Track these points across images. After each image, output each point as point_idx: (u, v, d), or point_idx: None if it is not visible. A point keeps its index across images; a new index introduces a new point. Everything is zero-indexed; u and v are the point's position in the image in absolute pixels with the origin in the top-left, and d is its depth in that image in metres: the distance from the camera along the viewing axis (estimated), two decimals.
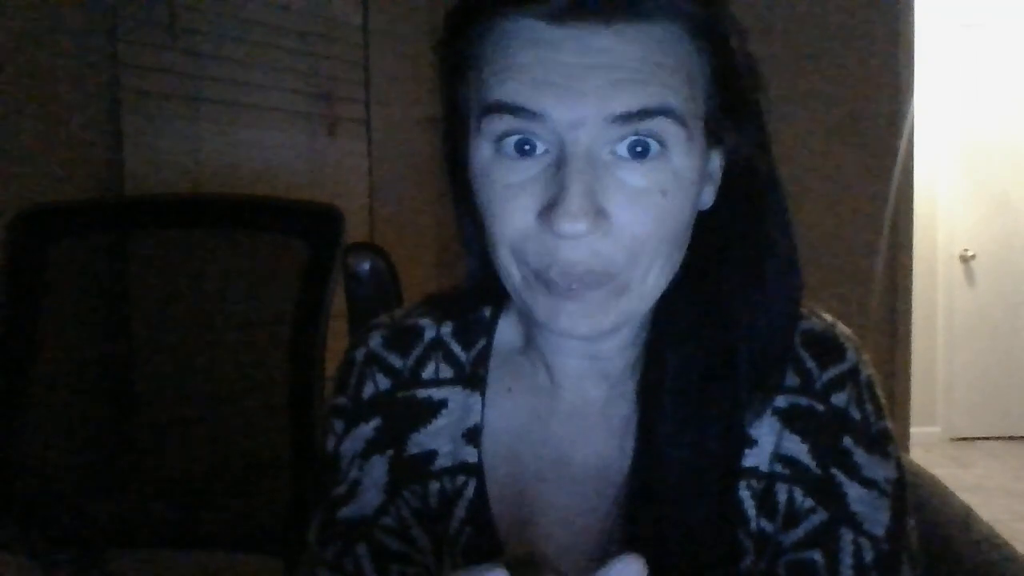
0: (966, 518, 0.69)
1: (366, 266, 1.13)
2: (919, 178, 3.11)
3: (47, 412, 1.19)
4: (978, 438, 4.47)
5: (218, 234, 1.22)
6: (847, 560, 0.57)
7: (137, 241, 1.27)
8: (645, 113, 0.50)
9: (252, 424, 1.19)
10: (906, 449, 2.92)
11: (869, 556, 0.57)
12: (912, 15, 2.91)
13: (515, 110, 0.51)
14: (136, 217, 1.26)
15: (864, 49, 2.84)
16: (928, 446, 4.21)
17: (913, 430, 3.13)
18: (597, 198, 0.51)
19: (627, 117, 0.50)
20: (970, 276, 4.48)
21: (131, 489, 1.20)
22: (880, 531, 0.58)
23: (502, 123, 0.52)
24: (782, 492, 0.59)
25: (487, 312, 0.67)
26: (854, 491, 0.58)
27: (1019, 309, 4.48)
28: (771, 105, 0.59)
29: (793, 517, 0.58)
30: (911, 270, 2.99)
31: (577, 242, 0.51)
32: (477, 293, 0.66)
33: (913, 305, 3.00)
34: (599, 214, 0.51)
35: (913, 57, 2.92)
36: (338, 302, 1.16)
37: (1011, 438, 4.47)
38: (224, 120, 1.93)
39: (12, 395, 1.17)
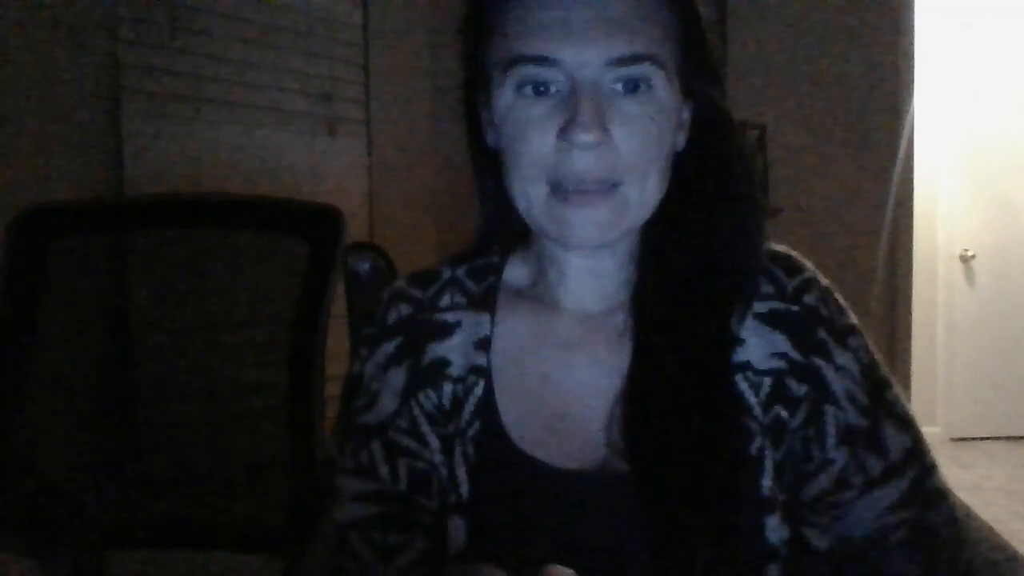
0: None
1: (366, 266, 1.13)
2: (919, 178, 3.11)
3: (47, 412, 1.19)
4: (978, 438, 4.48)
5: (218, 234, 1.22)
6: (831, 431, 0.68)
7: (137, 241, 1.27)
8: (635, 58, 0.65)
9: (252, 424, 1.19)
10: None
11: (850, 428, 0.68)
12: (912, 15, 2.91)
13: (536, 59, 0.65)
14: (136, 217, 1.25)
15: (864, 49, 2.85)
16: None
17: None
18: (603, 119, 0.64)
19: (621, 60, 0.64)
20: (970, 276, 4.49)
21: (131, 489, 1.20)
22: (859, 407, 0.68)
23: (526, 71, 0.65)
24: (786, 383, 0.69)
25: (496, 257, 0.78)
26: (831, 374, 0.69)
27: (1019, 309, 4.49)
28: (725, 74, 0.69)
29: (795, 403, 0.69)
30: (911, 270, 2.99)
31: (587, 152, 0.64)
32: (488, 238, 0.78)
33: (913, 305, 3.00)
34: (605, 131, 0.64)
35: (913, 57, 2.93)
36: (338, 302, 1.15)
37: (1011, 438, 4.47)
38: (224, 120, 1.93)
39: (12, 395, 1.17)
